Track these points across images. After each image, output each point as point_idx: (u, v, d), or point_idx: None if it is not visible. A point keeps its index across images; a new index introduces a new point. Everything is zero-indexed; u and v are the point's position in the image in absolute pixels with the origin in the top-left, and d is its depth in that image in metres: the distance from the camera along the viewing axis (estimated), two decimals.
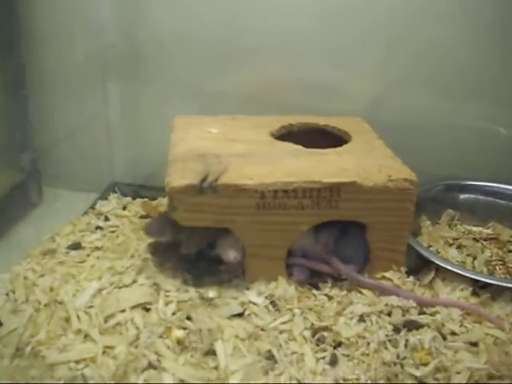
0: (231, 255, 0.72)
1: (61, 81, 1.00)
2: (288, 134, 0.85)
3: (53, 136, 1.04)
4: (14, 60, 0.94)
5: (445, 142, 0.93)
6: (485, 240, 0.86)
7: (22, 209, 0.97)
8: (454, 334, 0.66)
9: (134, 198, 0.99)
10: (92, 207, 0.96)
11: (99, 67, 0.99)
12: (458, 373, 0.59)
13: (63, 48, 0.97)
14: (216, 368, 0.61)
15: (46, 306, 0.69)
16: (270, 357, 0.62)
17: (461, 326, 0.67)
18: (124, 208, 0.96)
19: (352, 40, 0.91)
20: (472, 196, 0.91)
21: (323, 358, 0.63)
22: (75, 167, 1.05)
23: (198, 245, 0.74)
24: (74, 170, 1.05)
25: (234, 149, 0.76)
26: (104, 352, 0.62)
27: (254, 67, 0.95)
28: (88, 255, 0.80)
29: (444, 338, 0.65)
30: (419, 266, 0.76)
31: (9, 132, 0.96)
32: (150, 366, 0.60)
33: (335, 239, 0.74)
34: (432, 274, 0.74)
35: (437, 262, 0.74)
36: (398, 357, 0.62)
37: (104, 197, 0.99)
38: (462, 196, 0.91)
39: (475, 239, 0.86)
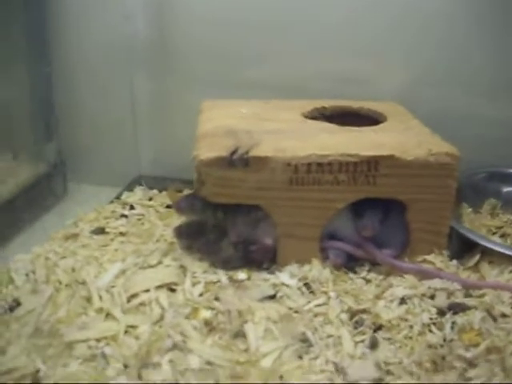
0: (268, 240, 0.68)
1: (86, 71, 0.98)
2: (321, 117, 0.81)
3: (78, 129, 1.02)
4: (40, 50, 0.93)
5: (476, 133, 0.88)
6: None
7: (47, 200, 0.94)
8: (504, 316, 0.60)
9: (160, 191, 0.96)
10: (117, 197, 0.93)
11: (126, 57, 0.96)
12: None
13: (90, 37, 0.96)
14: (246, 350, 0.57)
15: (66, 286, 0.66)
16: (305, 340, 0.58)
17: None
18: (150, 199, 0.93)
19: (381, 32, 0.88)
20: None
21: (362, 341, 0.59)
22: (101, 161, 1.03)
23: (245, 231, 0.70)
24: (99, 163, 1.03)
25: (265, 126, 0.73)
26: (126, 331, 0.58)
27: (283, 57, 0.93)
28: (112, 239, 0.78)
29: (494, 319, 0.59)
30: (462, 250, 0.71)
31: (34, 122, 0.95)
32: (175, 346, 0.56)
33: (380, 222, 0.69)
34: (477, 257, 0.70)
35: (484, 243, 0.69)
36: (444, 339, 0.57)
37: (130, 189, 0.97)
38: (506, 187, 0.86)
39: None
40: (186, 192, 0.91)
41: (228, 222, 0.70)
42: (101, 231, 0.80)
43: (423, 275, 0.67)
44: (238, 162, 0.64)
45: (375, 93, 0.90)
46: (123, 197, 0.93)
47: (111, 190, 0.97)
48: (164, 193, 0.95)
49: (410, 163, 0.65)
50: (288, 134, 0.70)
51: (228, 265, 0.69)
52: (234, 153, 0.64)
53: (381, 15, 0.87)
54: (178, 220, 0.79)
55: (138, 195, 0.94)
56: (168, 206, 0.88)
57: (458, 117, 0.88)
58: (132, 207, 0.89)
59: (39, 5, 0.90)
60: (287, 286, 0.66)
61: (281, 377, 0.54)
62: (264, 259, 0.70)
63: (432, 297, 0.64)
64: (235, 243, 0.70)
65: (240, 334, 0.59)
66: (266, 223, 0.69)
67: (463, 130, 0.87)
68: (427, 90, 0.90)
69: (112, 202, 0.92)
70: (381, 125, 0.76)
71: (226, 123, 0.74)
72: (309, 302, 0.64)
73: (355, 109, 0.83)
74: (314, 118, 0.80)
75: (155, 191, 0.96)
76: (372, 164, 0.65)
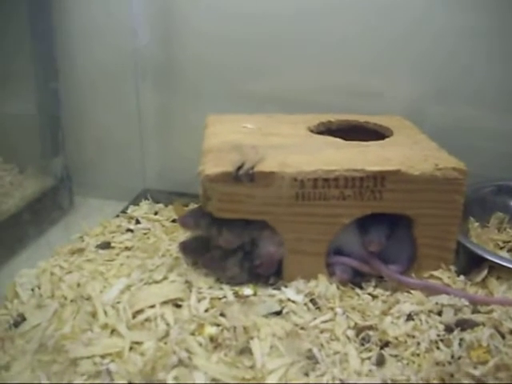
0: (271, 248, 0.68)
1: (93, 86, 0.99)
2: (326, 132, 0.81)
3: (84, 143, 1.03)
4: (48, 65, 0.93)
5: (487, 145, 0.88)
6: None
7: (52, 214, 0.94)
8: None
9: (166, 205, 0.96)
10: (123, 211, 0.93)
11: (132, 72, 0.97)
12: None
13: (96, 53, 0.96)
14: (252, 367, 0.56)
15: (72, 301, 0.66)
16: (311, 357, 0.58)
17: None
18: (156, 213, 0.93)
19: (390, 46, 0.88)
20: None
21: (369, 358, 0.58)
22: (107, 175, 1.04)
23: (238, 239, 0.69)
24: (105, 177, 1.03)
25: (271, 141, 0.73)
26: (131, 347, 0.58)
27: (289, 72, 0.93)
28: (117, 254, 0.78)
29: (503, 336, 0.59)
30: (469, 265, 0.71)
31: (41, 136, 0.95)
32: (181, 363, 0.56)
33: (386, 237, 0.69)
34: (485, 272, 0.69)
35: (491, 258, 0.68)
36: (452, 356, 0.57)
37: (136, 203, 0.97)
38: None
39: None
40: (192, 206, 0.91)
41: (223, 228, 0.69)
42: (106, 246, 0.79)
43: (430, 291, 0.66)
44: (243, 177, 0.63)
45: (382, 107, 0.89)
46: (129, 211, 0.93)
47: (117, 204, 0.97)
48: (170, 207, 0.95)
49: (416, 178, 0.64)
50: (294, 148, 0.70)
51: (233, 281, 0.69)
52: (239, 168, 0.64)
53: (388, 29, 0.87)
54: (183, 235, 0.79)
55: (143, 209, 0.94)
56: (174, 221, 0.88)
57: (467, 130, 0.88)
58: (138, 221, 0.89)
59: (46, 21, 0.91)
60: (293, 301, 0.65)
61: None
62: (269, 273, 0.69)
63: (439, 313, 0.63)
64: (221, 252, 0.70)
65: (246, 351, 0.58)
66: (269, 238, 0.69)
67: (472, 143, 0.87)
68: (435, 105, 0.89)
69: (118, 216, 0.92)
70: (387, 139, 0.75)
71: (232, 138, 0.73)
72: (315, 318, 0.63)
73: (361, 123, 0.83)
74: (319, 132, 0.80)
75: (161, 205, 0.96)
76: (378, 179, 0.64)
